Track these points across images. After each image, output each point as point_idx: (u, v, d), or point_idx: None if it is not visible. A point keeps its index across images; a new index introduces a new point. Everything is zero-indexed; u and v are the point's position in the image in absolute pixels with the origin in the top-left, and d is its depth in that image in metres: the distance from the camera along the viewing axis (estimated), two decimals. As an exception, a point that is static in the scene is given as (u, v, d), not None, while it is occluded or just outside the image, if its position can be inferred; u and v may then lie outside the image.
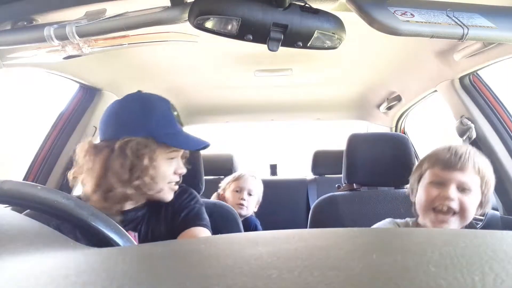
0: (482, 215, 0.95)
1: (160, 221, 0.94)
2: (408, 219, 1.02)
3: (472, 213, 0.89)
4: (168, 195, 0.93)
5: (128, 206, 0.91)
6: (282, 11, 0.66)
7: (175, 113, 0.92)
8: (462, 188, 0.88)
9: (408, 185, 1.04)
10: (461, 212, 0.87)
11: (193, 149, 0.93)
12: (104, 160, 0.84)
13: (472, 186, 0.88)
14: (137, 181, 0.85)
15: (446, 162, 0.89)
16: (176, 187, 0.94)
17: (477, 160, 0.90)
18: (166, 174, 0.90)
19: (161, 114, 0.89)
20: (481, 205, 0.91)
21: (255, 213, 1.95)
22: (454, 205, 0.86)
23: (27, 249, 0.31)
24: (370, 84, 1.92)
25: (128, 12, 0.72)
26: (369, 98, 2.15)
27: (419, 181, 0.96)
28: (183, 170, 0.94)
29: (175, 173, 0.92)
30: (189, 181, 1.26)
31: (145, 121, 0.87)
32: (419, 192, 0.94)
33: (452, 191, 0.86)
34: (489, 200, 0.93)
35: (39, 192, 0.46)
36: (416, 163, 1.04)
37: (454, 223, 0.88)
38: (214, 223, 1.22)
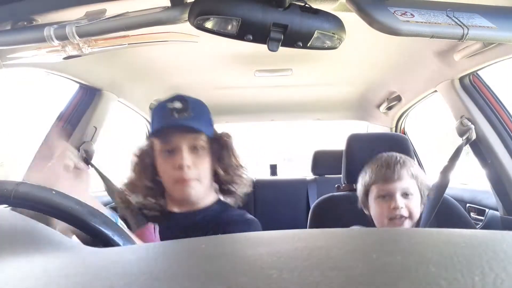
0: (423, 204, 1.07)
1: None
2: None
3: (418, 212, 1.02)
4: (178, 193, 0.92)
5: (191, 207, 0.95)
6: (282, 11, 0.66)
7: (170, 105, 0.91)
8: (405, 194, 1.00)
9: None
10: (410, 215, 0.99)
11: (152, 135, 0.93)
12: None
13: (412, 190, 1.01)
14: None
15: (384, 177, 1.02)
16: (187, 182, 0.90)
17: (409, 166, 1.04)
18: (165, 170, 0.91)
19: (152, 117, 0.96)
20: (422, 199, 1.04)
21: (256, 212, 1.95)
22: (404, 212, 0.98)
23: (27, 249, 0.31)
24: (370, 84, 1.92)
25: (128, 12, 0.72)
26: (369, 98, 2.15)
27: (367, 195, 1.08)
28: (182, 162, 0.89)
29: (174, 167, 0.90)
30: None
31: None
32: (372, 207, 1.06)
33: (399, 201, 0.99)
34: (425, 193, 1.06)
35: (54, 197, 0.46)
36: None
37: (408, 225, 1.00)
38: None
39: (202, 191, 0.93)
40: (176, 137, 0.90)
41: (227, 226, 0.93)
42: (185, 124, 0.89)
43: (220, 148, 0.97)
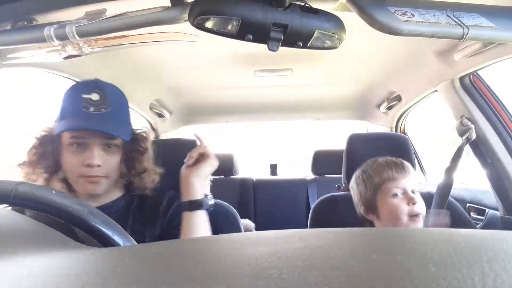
0: None
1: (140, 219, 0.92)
2: None
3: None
4: (84, 188, 0.86)
5: (101, 201, 0.91)
6: (282, 11, 0.66)
7: (86, 95, 0.84)
8: (414, 191, 0.98)
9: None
10: (421, 211, 0.96)
11: (63, 129, 0.83)
12: None
13: (416, 187, 1.00)
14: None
15: (394, 174, 0.99)
16: (94, 179, 0.85)
17: (406, 163, 1.03)
18: (71, 164, 0.85)
19: (63, 100, 0.89)
20: None
21: (256, 212, 1.95)
22: (421, 208, 0.96)
23: (27, 249, 0.31)
24: (370, 84, 1.92)
25: (128, 12, 0.72)
26: (369, 98, 2.15)
27: (374, 199, 1.02)
28: (91, 161, 0.83)
29: (82, 164, 0.84)
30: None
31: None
32: (384, 207, 1.00)
33: (417, 196, 0.97)
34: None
35: (54, 196, 0.46)
36: (359, 182, 1.09)
37: (421, 223, 0.97)
38: (214, 222, 1.22)
39: (108, 187, 0.89)
40: (89, 134, 0.84)
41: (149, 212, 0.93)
42: (101, 129, 0.82)
43: (131, 148, 0.93)
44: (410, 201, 0.95)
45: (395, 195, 0.98)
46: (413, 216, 0.95)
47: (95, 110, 0.84)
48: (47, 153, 0.87)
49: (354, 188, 1.10)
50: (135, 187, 0.95)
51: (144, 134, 0.96)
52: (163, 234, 0.92)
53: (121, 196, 0.96)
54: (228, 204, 1.21)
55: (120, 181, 0.96)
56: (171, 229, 0.93)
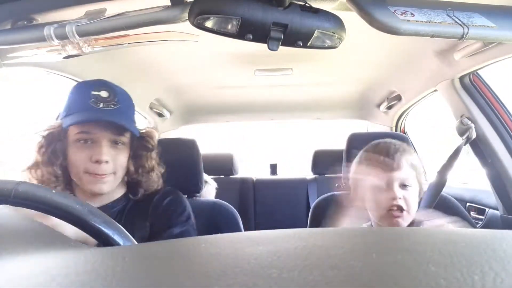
0: (419, 201, 0.98)
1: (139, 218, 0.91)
2: (364, 225, 1.03)
3: (416, 205, 0.94)
4: (89, 186, 0.84)
5: (102, 200, 0.90)
6: (282, 11, 0.66)
7: (95, 92, 0.84)
8: (403, 185, 0.92)
9: None
10: (407, 207, 0.91)
11: (71, 123, 0.82)
12: None
13: (410, 181, 0.93)
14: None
15: (383, 164, 0.93)
16: (102, 177, 0.84)
17: (408, 155, 0.95)
18: (78, 160, 0.83)
19: (69, 97, 0.88)
20: (420, 193, 0.97)
21: (256, 212, 1.95)
22: (402, 203, 0.90)
23: (27, 249, 0.31)
24: (370, 83, 1.92)
25: (128, 11, 0.72)
26: (369, 98, 2.15)
27: (361, 183, 0.98)
28: (99, 157, 0.82)
29: (90, 160, 0.83)
30: (189, 181, 1.26)
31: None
32: (367, 198, 0.96)
33: (397, 191, 0.91)
34: (424, 184, 0.98)
35: (54, 196, 0.46)
36: None
37: (405, 219, 0.92)
38: (214, 221, 1.22)
39: (115, 185, 0.88)
40: (97, 129, 0.83)
41: (154, 212, 0.92)
42: (115, 121, 0.82)
43: (139, 146, 0.92)
44: (390, 195, 0.91)
45: (378, 186, 0.94)
46: (392, 210, 0.91)
47: (105, 106, 0.84)
48: (57, 150, 0.85)
49: (351, 170, 1.05)
50: (141, 187, 0.93)
51: (152, 132, 0.96)
52: (152, 235, 0.89)
53: (121, 196, 0.95)
54: (228, 203, 1.21)
55: (122, 181, 0.94)
56: (159, 230, 0.90)
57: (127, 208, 0.93)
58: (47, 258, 0.30)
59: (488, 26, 0.66)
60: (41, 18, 0.82)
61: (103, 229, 0.45)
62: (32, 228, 0.36)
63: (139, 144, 0.92)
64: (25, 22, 0.81)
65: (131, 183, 0.95)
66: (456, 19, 0.65)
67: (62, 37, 0.72)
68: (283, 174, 2.93)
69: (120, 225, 0.47)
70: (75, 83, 1.44)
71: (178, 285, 0.20)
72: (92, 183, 0.84)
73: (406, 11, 0.65)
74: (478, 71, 1.33)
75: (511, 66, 1.31)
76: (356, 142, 1.35)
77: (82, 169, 0.83)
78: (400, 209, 0.91)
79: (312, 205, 1.35)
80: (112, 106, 0.84)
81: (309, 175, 2.52)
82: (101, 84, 0.87)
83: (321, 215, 1.30)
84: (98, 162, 0.83)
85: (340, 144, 2.16)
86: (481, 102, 1.35)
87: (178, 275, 0.21)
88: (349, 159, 1.33)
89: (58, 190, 0.87)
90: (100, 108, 0.83)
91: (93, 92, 0.84)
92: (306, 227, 1.45)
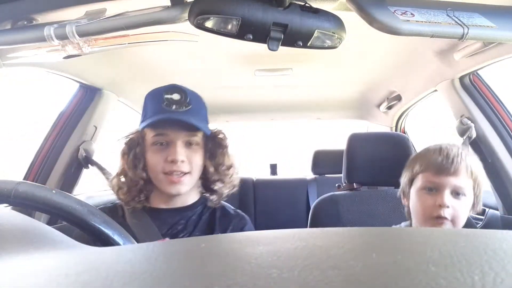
0: (474, 214, 0.93)
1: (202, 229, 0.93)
2: (403, 224, 1.01)
3: (464, 218, 0.87)
4: (167, 187, 0.88)
5: (176, 204, 0.92)
6: (282, 11, 0.66)
7: (168, 96, 0.89)
8: (456, 193, 0.86)
9: None
10: (454, 219, 0.85)
11: (147, 126, 0.88)
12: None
13: (465, 191, 0.86)
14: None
15: (438, 166, 0.86)
16: (179, 177, 0.88)
17: (469, 163, 0.88)
18: (156, 162, 0.88)
19: (145, 104, 0.94)
20: (474, 206, 0.90)
21: (256, 212, 1.95)
22: (448, 214, 0.84)
23: (27, 248, 0.31)
24: (370, 83, 1.92)
25: (128, 11, 0.72)
26: (369, 98, 2.15)
27: (410, 184, 0.94)
28: (175, 157, 0.87)
29: (166, 160, 0.87)
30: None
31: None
32: (412, 198, 0.92)
33: (447, 198, 0.84)
34: (480, 200, 0.91)
35: (54, 196, 0.46)
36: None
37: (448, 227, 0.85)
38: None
39: (191, 186, 0.91)
40: (172, 130, 0.88)
41: (220, 222, 0.93)
42: (184, 120, 0.86)
43: (214, 145, 0.95)
44: (438, 201, 0.84)
45: (426, 188, 0.88)
46: (436, 218, 0.84)
47: (177, 108, 0.88)
48: (137, 154, 0.91)
49: (405, 168, 1.00)
50: (216, 194, 0.95)
51: (221, 131, 0.99)
52: None
53: (196, 202, 0.96)
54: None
55: (197, 184, 0.96)
56: None
57: (202, 218, 0.95)
58: (47, 258, 0.30)
59: (488, 26, 0.66)
60: (41, 18, 0.82)
61: (103, 229, 0.45)
62: (32, 227, 0.36)
63: (214, 143, 0.96)
64: (25, 22, 0.81)
65: (207, 188, 0.97)
66: (456, 19, 0.65)
67: (62, 37, 0.72)
68: (283, 174, 2.92)
69: (119, 225, 0.47)
70: (75, 83, 1.45)
71: (178, 284, 0.20)
72: (170, 184, 0.88)
73: (406, 11, 0.65)
74: (478, 71, 1.33)
75: (511, 66, 1.30)
76: (356, 142, 1.35)
77: (160, 170, 0.88)
78: (445, 219, 0.84)
79: (312, 205, 1.35)
80: (184, 107, 0.89)
81: (309, 175, 2.52)
82: (173, 87, 0.91)
83: (322, 215, 1.30)
84: (173, 161, 0.87)
85: (340, 144, 2.17)
86: (481, 102, 1.35)
87: (178, 276, 0.21)
88: (349, 160, 1.33)
89: (143, 195, 0.91)
90: (173, 110, 0.88)
91: (166, 96, 0.89)
92: (306, 227, 1.45)
